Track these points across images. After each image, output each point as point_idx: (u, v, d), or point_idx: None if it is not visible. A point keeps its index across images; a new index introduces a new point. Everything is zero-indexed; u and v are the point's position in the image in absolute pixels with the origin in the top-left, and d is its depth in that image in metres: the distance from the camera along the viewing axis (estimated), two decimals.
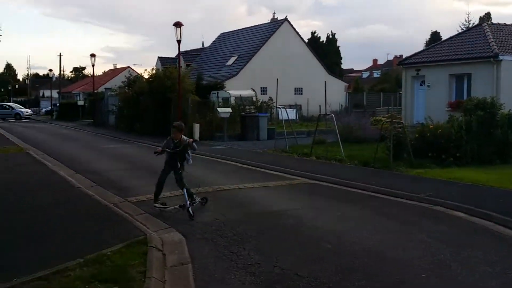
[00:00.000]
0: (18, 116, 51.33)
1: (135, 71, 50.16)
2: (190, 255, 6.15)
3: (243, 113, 22.65)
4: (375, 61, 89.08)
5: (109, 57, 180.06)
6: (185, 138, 8.25)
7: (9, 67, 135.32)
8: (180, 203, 8.26)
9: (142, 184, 11.03)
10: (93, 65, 37.34)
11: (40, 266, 5.41)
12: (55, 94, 64.23)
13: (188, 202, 7.92)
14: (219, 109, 21.32)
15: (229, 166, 14.53)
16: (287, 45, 40.06)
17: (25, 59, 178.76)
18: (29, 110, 55.24)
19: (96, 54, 37.22)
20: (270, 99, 31.91)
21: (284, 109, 20.45)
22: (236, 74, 38.57)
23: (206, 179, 11.64)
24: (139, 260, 5.77)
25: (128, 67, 62.15)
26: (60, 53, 75.04)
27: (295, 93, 40.44)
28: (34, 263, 5.62)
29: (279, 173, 12.83)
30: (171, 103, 23.94)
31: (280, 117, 34.50)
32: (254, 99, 33.34)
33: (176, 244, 6.65)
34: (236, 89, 33.44)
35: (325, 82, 19.79)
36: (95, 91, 40.86)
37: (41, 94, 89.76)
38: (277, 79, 29.19)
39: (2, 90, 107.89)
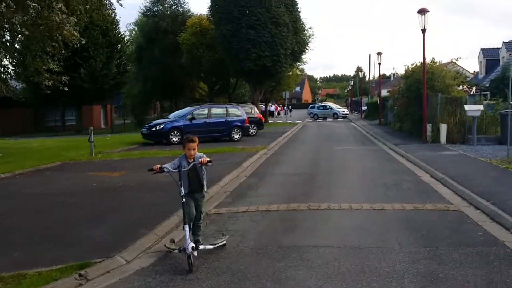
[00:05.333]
0: (335, 115, 55.25)
1: (460, 66, 45.78)
2: None
3: (503, 111, 17.55)
4: None
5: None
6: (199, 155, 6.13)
7: (358, 70, 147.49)
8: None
9: (269, 193, 10.13)
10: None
11: None
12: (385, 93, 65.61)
13: (191, 245, 5.64)
14: (467, 107, 17.25)
15: (401, 176, 11.78)
16: None
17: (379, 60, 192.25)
18: (345, 110, 58.66)
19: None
20: None
21: None
22: None
23: (335, 192, 9.73)
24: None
25: (451, 61, 57.84)
26: (370, 54, 76.77)
27: None
28: None
29: (442, 192, 9.68)
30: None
31: None
32: None
33: (116, 275, 5.64)
34: None
35: None
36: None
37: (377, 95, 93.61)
38: None
39: (347, 91, 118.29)
